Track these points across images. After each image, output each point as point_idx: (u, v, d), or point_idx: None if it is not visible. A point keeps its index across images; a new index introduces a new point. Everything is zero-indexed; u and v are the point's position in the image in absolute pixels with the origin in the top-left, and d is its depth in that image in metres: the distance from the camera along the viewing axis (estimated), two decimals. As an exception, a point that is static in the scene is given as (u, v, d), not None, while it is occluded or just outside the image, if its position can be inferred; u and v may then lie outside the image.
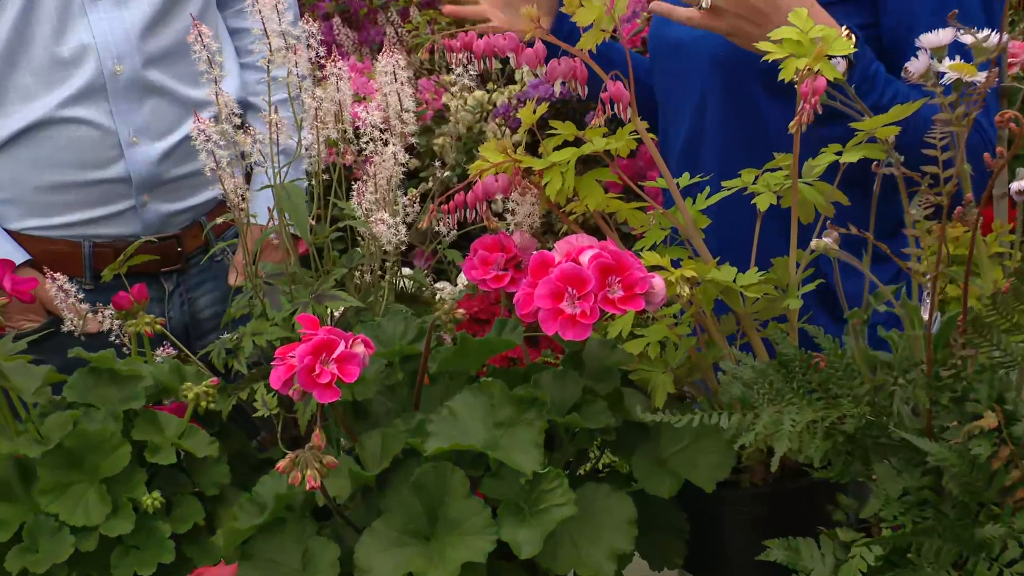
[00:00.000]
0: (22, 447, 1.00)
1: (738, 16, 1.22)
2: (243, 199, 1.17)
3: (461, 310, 1.04)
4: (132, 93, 1.53)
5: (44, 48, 1.48)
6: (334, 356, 0.93)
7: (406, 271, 2.04)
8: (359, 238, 1.24)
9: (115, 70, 1.50)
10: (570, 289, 0.95)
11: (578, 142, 1.11)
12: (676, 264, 1.02)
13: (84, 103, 1.51)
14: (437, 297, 1.64)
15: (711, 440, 1.00)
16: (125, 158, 1.54)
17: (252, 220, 1.19)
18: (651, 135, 1.08)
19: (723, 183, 1.11)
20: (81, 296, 1.23)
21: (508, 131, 2.92)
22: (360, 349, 0.94)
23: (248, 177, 1.66)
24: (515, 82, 3.08)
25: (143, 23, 1.53)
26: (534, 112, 1.13)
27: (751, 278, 1.01)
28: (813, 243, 0.94)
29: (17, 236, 1.54)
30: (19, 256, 1.51)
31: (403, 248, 1.19)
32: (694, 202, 1.12)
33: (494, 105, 3.01)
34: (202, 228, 1.64)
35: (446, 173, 1.35)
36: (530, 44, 1.08)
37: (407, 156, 1.21)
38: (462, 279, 2.71)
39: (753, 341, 1.06)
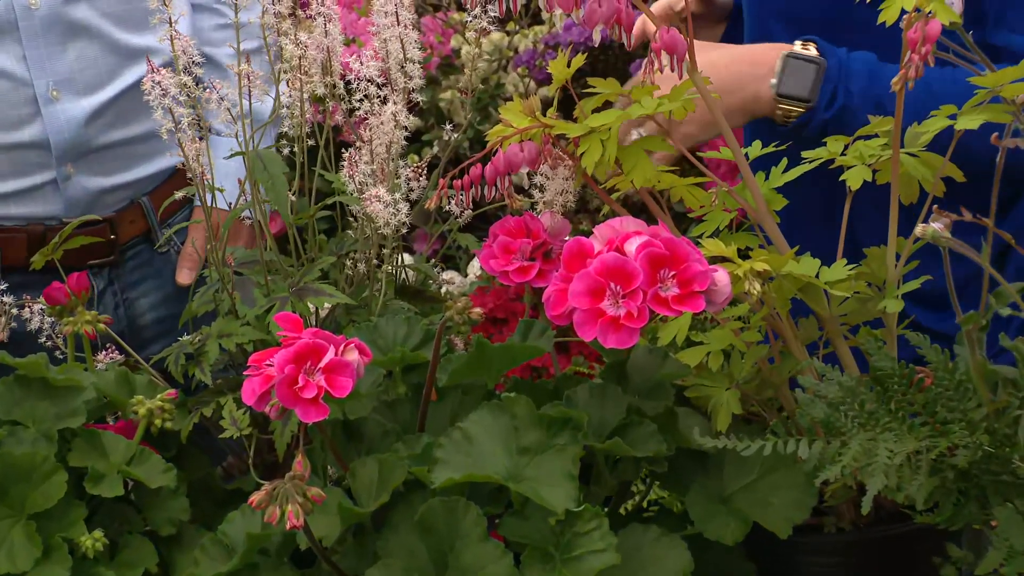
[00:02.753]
0: (-69, 473, 1.01)
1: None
2: (208, 169, 1.18)
3: (478, 309, 1.05)
4: (52, 35, 1.50)
5: None
6: (321, 365, 0.93)
7: (407, 259, 2.06)
8: (351, 218, 1.25)
9: (29, 3, 1.48)
10: (613, 285, 0.95)
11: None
12: (744, 255, 1.02)
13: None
14: (445, 292, 1.65)
15: (787, 473, 1.00)
16: (42, 117, 1.51)
17: (218, 196, 1.20)
18: (715, 95, 1.09)
19: (804, 153, 1.11)
20: (3, 287, 1.24)
21: (533, 84, 2.92)
22: (354, 357, 0.95)
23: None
24: (541, 21, 3.09)
25: None
26: (568, 65, 1.14)
27: (839, 273, 1.01)
28: (919, 229, 0.94)
29: None
30: None
31: (404, 231, 1.20)
32: (767, 177, 1.12)
33: (515, 51, 3.02)
34: (142, 211, 1.62)
35: (456, 136, 1.36)
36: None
37: (409, 117, 1.22)
38: (474, 268, 2.73)
39: (840, 351, 1.07)
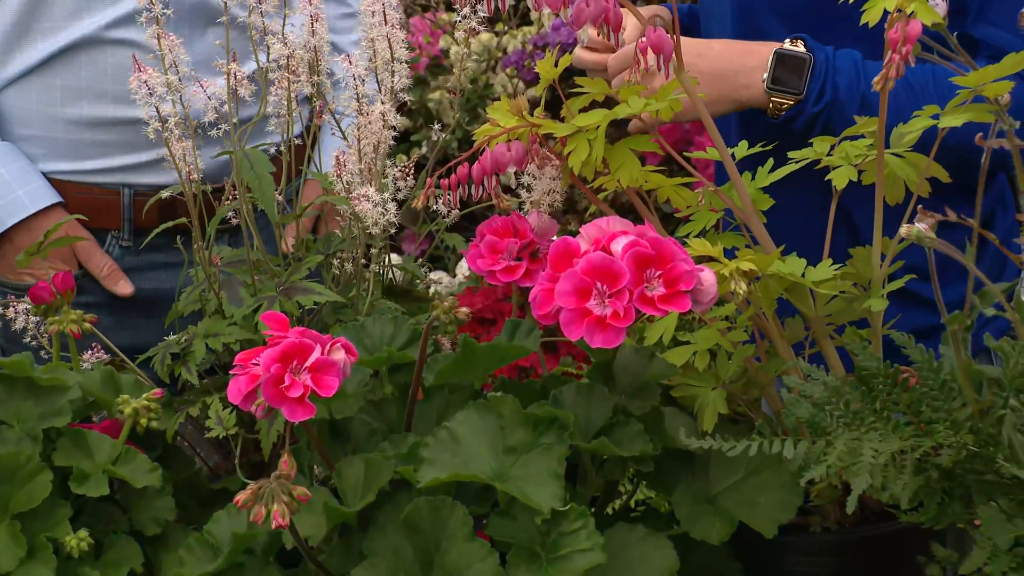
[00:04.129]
0: (-86, 472, 1.01)
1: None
2: (195, 168, 1.18)
3: (465, 308, 1.05)
4: (197, 18, 1.55)
5: None
6: (308, 364, 0.93)
7: (395, 259, 2.05)
8: (338, 218, 1.25)
9: None
10: (599, 285, 0.95)
11: (609, 102, 1.12)
12: (730, 255, 1.02)
13: (139, 24, 1.52)
14: (432, 291, 1.64)
15: (772, 473, 1.00)
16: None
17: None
18: (701, 95, 1.09)
19: (790, 154, 1.12)
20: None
21: (521, 84, 2.92)
22: (340, 356, 0.95)
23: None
24: (530, 22, 3.09)
25: None
26: (555, 64, 1.14)
27: (824, 272, 1.01)
28: (903, 229, 0.95)
29: None
30: (49, 197, 1.54)
31: (392, 231, 1.20)
32: (753, 177, 1.13)
33: (504, 52, 3.02)
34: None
35: (444, 137, 1.36)
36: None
37: (397, 117, 1.22)
38: (463, 269, 2.73)
39: (826, 351, 1.07)
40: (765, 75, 1.32)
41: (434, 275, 2.21)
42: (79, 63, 1.54)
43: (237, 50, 1.24)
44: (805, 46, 1.33)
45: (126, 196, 1.58)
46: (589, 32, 1.04)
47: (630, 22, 1.36)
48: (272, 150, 1.22)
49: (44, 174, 1.57)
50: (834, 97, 1.31)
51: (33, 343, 1.22)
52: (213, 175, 1.56)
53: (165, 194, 1.26)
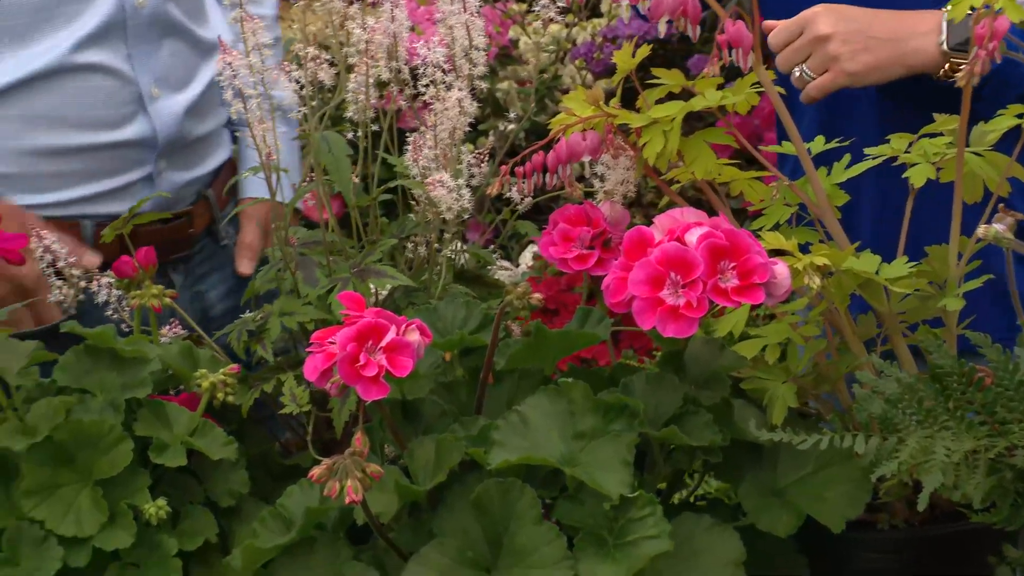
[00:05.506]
0: (3, 438, 1.04)
1: (850, 53, 1.34)
2: (275, 150, 1.19)
3: (538, 294, 1.06)
4: (152, 33, 1.52)
5: None
6: (383, 344, 0.94)
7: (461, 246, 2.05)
8: (412, 202, 1.26)
9: (137, 3, 1.49)
10: (673, 274, 0.96)
11: (685, 94, 1.12)
12: (804, 250, 1.02)
13: (100, 45, 1.47)
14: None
15: (841, 468, 1.00)
16: (148, 114, 1.53)
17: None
18: (779, 88, 1.09)
19: (867, 150, 1.11)
20: (73, 260, 1.26)
21: (590, 76, 2.92)
22: (415, 337, 0.96)
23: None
24: (600, 14, 3.08)
25: None
26: (633, 55, 1.14)
27: (899, 270, 1.01)
28: (981, 229, 0.94)
29: None
30: None
31: (466, 216, 1.21)
32: (829, 172, 1.12)
33: (573, 43, 3.01)
34: (208, 204, 1.63)
35: (511, 127, 1.36)
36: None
37: (473, 104, 1.23)
38: (526, 259, 2.74)
39: (898, 348, 1.07)
40: (941, 38, 1.34)
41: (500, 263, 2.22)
42: (38, 90, 1.45)
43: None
44: None
45: (87, 228, 1.50)
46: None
47: None
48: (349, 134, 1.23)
49: None
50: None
51: (114, 316, 1.24)
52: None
53: (246, 173, 1.28)
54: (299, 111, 1.20)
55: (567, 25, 3.01)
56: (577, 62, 2.95)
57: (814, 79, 1.37)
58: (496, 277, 1.46)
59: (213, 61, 1.15)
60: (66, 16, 1.45)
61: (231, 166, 1.69)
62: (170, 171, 1.57)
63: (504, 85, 2.98)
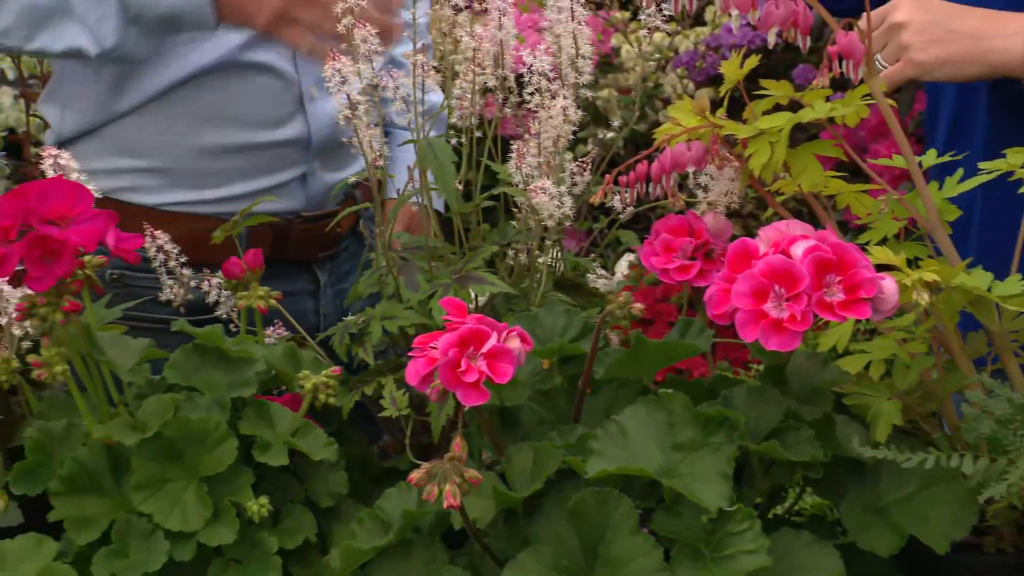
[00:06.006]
0: (115, 433, 1.07)
1: (922, 44, 1.32)
2: (381, 155, 1.21)
3: (639, 304, 1.06)
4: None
5: None
6: (484, 350, 0.95)
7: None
8: (514, 209, 1.27)
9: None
10: (777, 287, 0.95)
11: (793, 106, 1.11)
12: (913, 266, 1.00)
13: (268, 44, 1.49)
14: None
15: (947, 488, 0.98)
16: (306, 115, 1.56)
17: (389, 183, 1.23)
18: (891, 101, 1.07)
19: (980, 164, 1.09)
20: (184, 260, 1.29)
21: (692, 85, 2.91)
22: (516, 344, 0.97)
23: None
24: (703, 23, 3.07)
25: None
26: (741, 66, 1.14)
27: (1013, 287, 0.99)
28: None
29: (154, 214, 1.49)
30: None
31: (568, 224, 1.21)
32: (941, 187, 1.11)
33: (676, 52, 3.01)
34: (355, 203, 1.66)
35: (610, 135, 1.36)
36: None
37: (578, 112, 1.23)
38: (622, 268, 2.73)
39: (1009, 367, 1.04)
40: None
41: (592, 275, 2.22)
42: (205, 88, 1.51)
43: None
44: None
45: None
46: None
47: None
48: (454, 140, 1.25)
49: (159, 206, 1.53)
50: None
51: (224, 316, 1.26)
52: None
53: (352, 179, 1.30)
54: (407, 119, 1.22)
55: (670, 34, 3.01)
56: (679, 71, 2.94)
57: (887, 68, 1.34)
58: (594, 286, 1.47)
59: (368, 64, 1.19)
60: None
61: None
62: (323, 171, 1.61)
63: (605, 93, 2.98)
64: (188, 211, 1.55)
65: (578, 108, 1.23)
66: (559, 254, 1.32)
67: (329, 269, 1.67)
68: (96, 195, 1.05)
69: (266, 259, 1.41)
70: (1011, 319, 1.02)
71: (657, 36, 3.00)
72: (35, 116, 2.66)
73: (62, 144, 1.55)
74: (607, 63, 3.15)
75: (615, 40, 3.08)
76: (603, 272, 1.89)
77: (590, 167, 1.26)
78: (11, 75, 2.95)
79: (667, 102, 3.03)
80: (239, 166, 1.55)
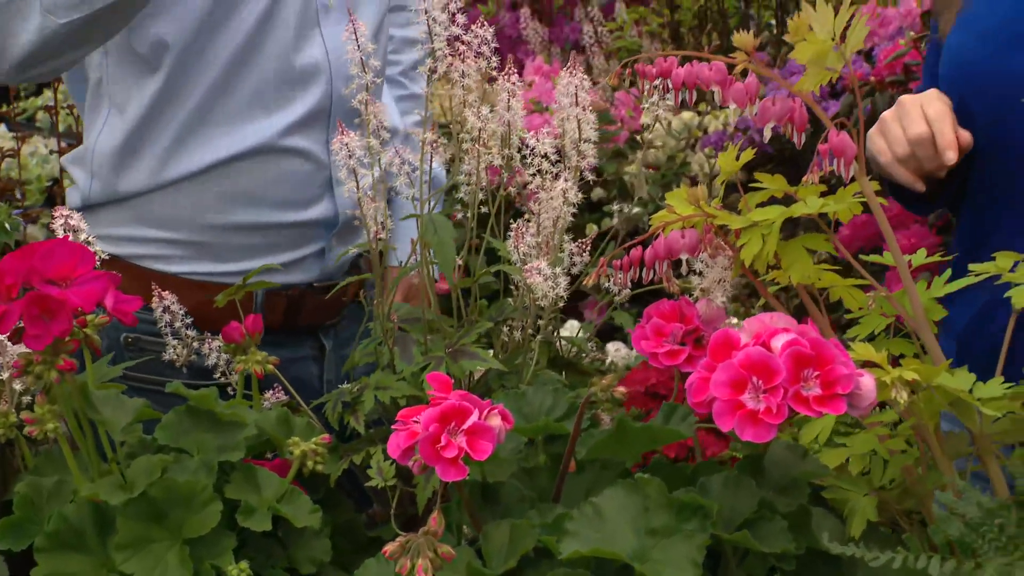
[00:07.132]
0: (102, 491, 1.09)
1: None
2: (383, 227, 1.24)
3: (622, 388, 1.07)
4: (347, 121, 1.61)
5: (277, 61, 1.53)
6: (464, 427, 0.97)
7: (572, 324, 2.08)
8: (512, 287, 1.30)
9: (344, 92, 1.52)
10: (755, 379, 0.97)
11: (788, 199, 1.13)
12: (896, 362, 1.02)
13: (305, 131, 1.55)
14: (608, 362, 1.66)
15: (920, 588, 0.99)
16: (334, 196, 1.61)
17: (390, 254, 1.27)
18: (881, 199, 1.09)
19: (970, 266, 1.11)
20: (189, 321, 1.33)
21: (719, 165, 2.94)
22: (496, 422, 0.99)
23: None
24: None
25: (371, 35, 1.53)
26: (737, 158, 1.16)
27: (993, 390, 0.99)
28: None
29: (171, 280, 1.52)
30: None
31: (562, 304, 1.24)
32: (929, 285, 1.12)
33: (705, 131, 3.04)
34: (359, 272, 1.70)
35: (635, 210, 1.38)
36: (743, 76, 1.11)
37: (578, 194, 1.26)
38: (610, 353, 2.75)
39: (990, 470, 1.05)
40: None
41: (612, 345, 2.24)
42: (241, 170, 1.54)
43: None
44: None
45: (259, 295, 1.57)
46: None
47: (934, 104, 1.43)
48: (459, 215, 1.28)
49: (177, 274, 1.56)
50: None
51: (222, 379, 1.29)
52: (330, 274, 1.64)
53: (354, 250, 1.34)
54: (410, 193, 1.25)
55: (699, 113, 3.04)
56: (707, 150, 2.97)
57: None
58: (607, 360, 1.48)
59: (388, 147, 1.23)
60: (280, 103, 1.55)
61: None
62: (339, 246, 1.66)
63: (632, 168, 3.02)
64: (208, 280, 1.57)
65: (605, 182, 1.26)
66: (557, 332, 1.34)
67: (333, 335, 1.70)
68: (110, 258, 1.07)
69: (278, 327, 1.45)
70: (991, 422, 1.02)
71: (687, 115, 3.04)
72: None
73: (89, 206, 1.59)
74: (636, 139, 3.19)
75: (645, 117, 3.11)
76: (613, 347, 1.90)
77: (588, 249, 1.29)
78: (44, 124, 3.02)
79: (694, 180, 3.06)
80: (264, 242, 1.59)
